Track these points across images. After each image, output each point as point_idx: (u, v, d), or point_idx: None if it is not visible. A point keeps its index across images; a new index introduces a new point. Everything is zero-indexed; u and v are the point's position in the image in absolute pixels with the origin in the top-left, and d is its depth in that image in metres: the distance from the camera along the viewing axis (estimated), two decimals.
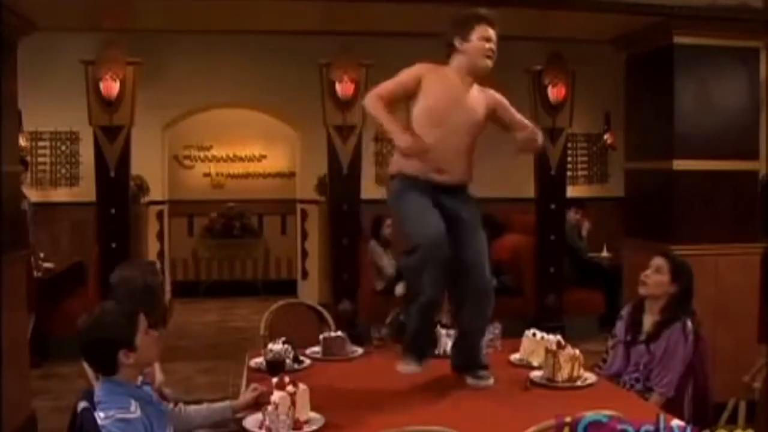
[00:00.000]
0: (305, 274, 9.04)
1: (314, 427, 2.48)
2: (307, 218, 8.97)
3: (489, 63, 3.03)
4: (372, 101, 2.97)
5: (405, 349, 3.18)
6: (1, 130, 4.31)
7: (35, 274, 6.37)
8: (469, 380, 3.04)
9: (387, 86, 3.02)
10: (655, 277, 3.46)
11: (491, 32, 3.04)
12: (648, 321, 3.46)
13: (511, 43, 7.07)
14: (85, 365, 2.79)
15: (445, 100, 3.00)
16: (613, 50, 5.72)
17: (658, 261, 3.48)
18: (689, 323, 3.35)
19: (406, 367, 3.10)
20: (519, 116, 3.14)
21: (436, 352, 3.43)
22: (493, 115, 3.11)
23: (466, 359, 3.10)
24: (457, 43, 3.04)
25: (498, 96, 3.15)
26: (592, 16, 5.04)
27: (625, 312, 3.60)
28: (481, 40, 3.01)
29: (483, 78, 3.09)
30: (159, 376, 2.99)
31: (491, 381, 3.02)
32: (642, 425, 2.11)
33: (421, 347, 3.15)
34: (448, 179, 3.00)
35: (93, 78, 6.34)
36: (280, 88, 8.18)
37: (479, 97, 3.07)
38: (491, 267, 3.08)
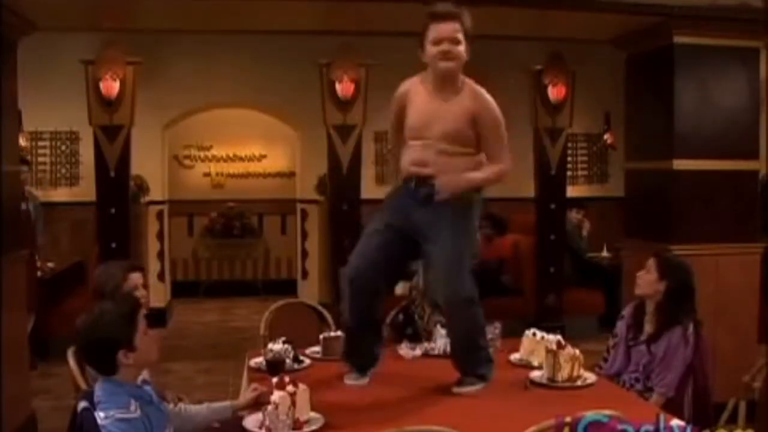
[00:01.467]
0: (305, 274, 9.03)
1: (314, 427, 2.48)
2: (307, 218, 8.96)
3: (447, 65, 2.84)
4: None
5: (346, 363, 3.11)
6: (1, 130, 4.31)
7: (39, 274, 6.38)
8: (454, 388, 2.91)
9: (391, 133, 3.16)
10: (645, 277, 3.47)
11: (444, 29, 2.81)
12: (649, 321, 3.46)
13: (511, 43, 7.17)
14: (73, 367, 2.79)
15: (418, 118, 2.91)
16: (613, 50, 5.73)
17: (649, 260, 3.49)
18: (690, 326, 3.34)
19: (350, 381, 3.04)
20: (496, 146, 2.91)
21: (436, 351, 3.44)
22: (475, 125, 2.89)
23: (458, 365, 3.03)
24: (420, 55, 2.91)
25: (487, 110, 2.89)
26: (592, 16, 5.04)
27: (626, 312, 3.60)
28: (433, 44, 2.83)
29: (484, 78, 2.98)
30: (145, 376, 2.99)
31: (475, 387, 2.90)
32: (642, 425, 2.11)
33: (360, 362, 3.08)
34: (433, 172, 2.87)
35: (93, 78, 6.35)
36: (280, 88, 8.17)
37: (464, 105, 2.88)
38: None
